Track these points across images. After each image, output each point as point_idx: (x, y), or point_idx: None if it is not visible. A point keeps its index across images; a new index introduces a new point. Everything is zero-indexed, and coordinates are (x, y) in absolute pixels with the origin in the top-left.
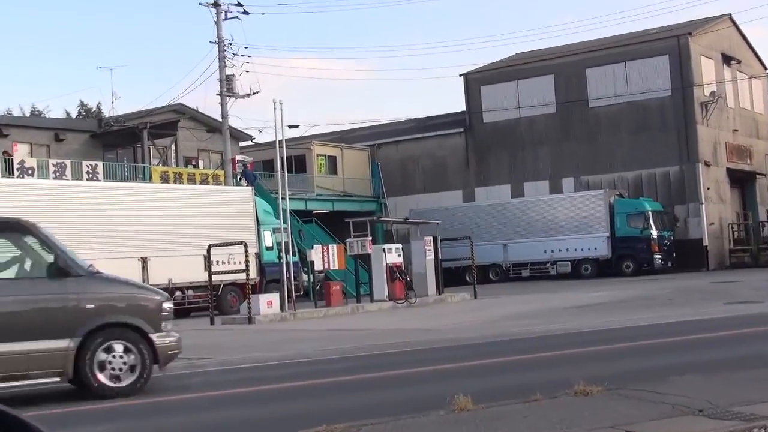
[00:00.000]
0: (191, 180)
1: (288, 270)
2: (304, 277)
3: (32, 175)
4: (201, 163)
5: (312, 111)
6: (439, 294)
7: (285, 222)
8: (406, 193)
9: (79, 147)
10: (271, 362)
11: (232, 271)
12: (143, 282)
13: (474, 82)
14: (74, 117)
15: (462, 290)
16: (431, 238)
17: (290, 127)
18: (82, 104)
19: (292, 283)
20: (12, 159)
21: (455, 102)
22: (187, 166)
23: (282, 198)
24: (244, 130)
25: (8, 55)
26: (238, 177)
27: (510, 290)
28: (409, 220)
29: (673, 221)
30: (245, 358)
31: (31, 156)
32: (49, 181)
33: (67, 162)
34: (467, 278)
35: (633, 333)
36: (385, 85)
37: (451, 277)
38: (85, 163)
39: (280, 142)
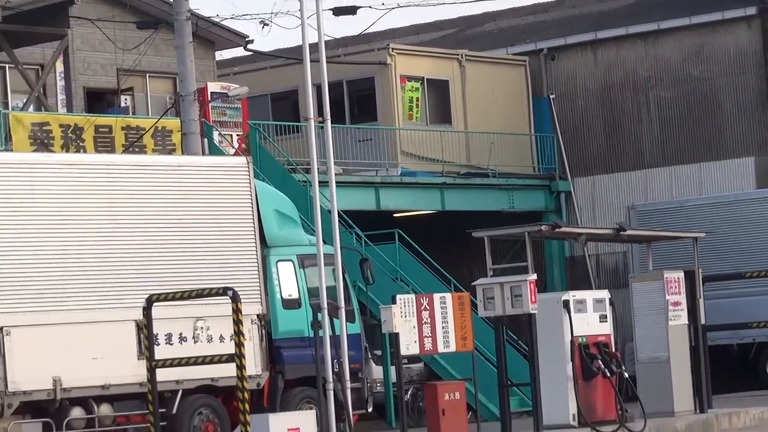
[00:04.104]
0: (104, 143)
1: (337, 355)
2: (376, 371)
3: None
4: (126, 101)
5: None
6: (702, 410)
7: (328, 240)
8: (616, 168)
9: None
10: None
11: (203, 360)
12: None
13: None
14: None
15: (757, 401)
16: (681, 275)
17: (337, 12)
18: None
19: (348, 385)
20: None
21: None
22: (94, 111)
23: (322, 183)
24: (226, 24)
25: None
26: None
27: None
28: (628, 232)
29: None
30: None
31: None
32: None
33: None
34: None
35: None
36: None
37: (729, 367)
38: None
39: (315, 49)
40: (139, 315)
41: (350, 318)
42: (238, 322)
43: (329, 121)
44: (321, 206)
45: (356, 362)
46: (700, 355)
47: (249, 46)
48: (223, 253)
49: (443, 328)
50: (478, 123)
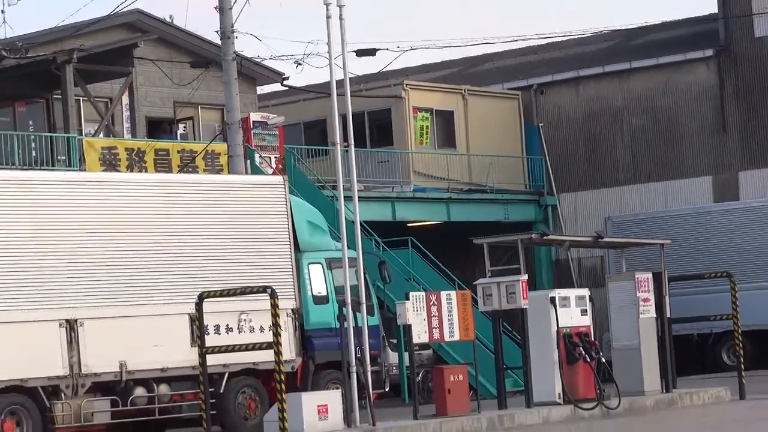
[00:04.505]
0: (162, 164)
1: (359, 343)
2: (392, 356)
3: None
4: (181, 129)
5: (403, 22)
6: (667, 390)
7: (352, 246)
8: (596, 184)
9: None
10: None
11: (246, 347)
12: (69, 370)
13: None
14: None
15: (714, 382)
16: (649, 276)
17: (360, 54)
18: None
19: (368, 369)
20: None
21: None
22: (154, 137)
23: (346, 197)
24: (266, 63)
25: None
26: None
27: None
28: (605, 239)
29: None
30: None
31: None
32: None
33: None
34: (724, 357)
35: None
36: None
37: (690, 354)
38: None
39: (341, 84)
40: (191, 309)
41: (370, 312)
42: (275, 315)
43: (352, 146)
44: (345, 217)
45: (375, 349)
46: (666, 344)
47: (285, 82)
48: (262, 256)
49: (449, 320)
50: (478, 147)
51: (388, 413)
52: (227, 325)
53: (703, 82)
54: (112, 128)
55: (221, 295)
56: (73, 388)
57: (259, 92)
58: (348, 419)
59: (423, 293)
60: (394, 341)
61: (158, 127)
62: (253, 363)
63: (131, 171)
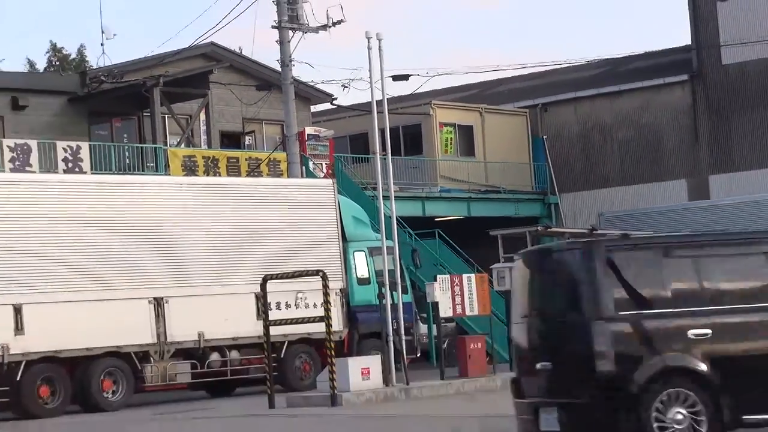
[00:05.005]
0: (233, 169)
1: (395, 317)
2: (423, 328)
3: None
4: (248, 140)
5: (431, 52)
6: None
7: (389, 237)
8: (591, 186)
9: (52, 118)
10: None
11: (302, 320)
12: (157, 338)
13: None
14: (42, 70)
15: None
16: None
17: (395, 78)
18: (54, 49)
19: (403, 338)
20: None
21: (673, 32)
22: (226, 147)
23: (384, 197)
24: (318, 86)
25: None
26: None
27: None
28: (599, 232)
29: None
30: None
31: None
32: (4, 174)
33: (32, 143)
34: None
35: None
36: (554, 4)
37: None
38: (61, 144)
39: (379, 104)
40: (257, 289)
41: (404, 291)
42: (326, 294)
43: (389, 154)
44: (384, 213)
45: (408, 322)
46: None
47: (334, 102)
48: (316, 245)
49: (469, 298)
50: (493, 155)
51: (419, 374)
52: (286, 302)
53: (678, 101)
54: (192, 140)
55: (282, 278)
56: (160, 354)
57: (312, 110)
58: (386, 379)
59: (448, 276)
60: (424, 315)
61: (230, 139)
62: (308, 333)
63: (207, 175)
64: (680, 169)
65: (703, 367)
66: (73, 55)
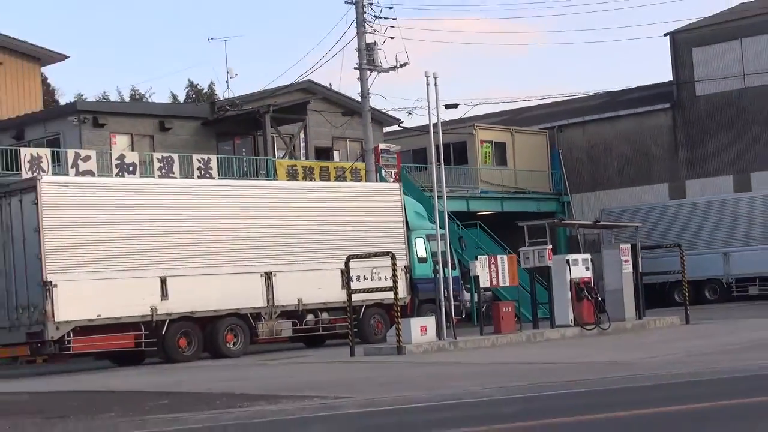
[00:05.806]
0: (324, 176)
1: (446, 287)
2: (467, 296)
3: (134, 172)
4: (336, 154)
5: (474, 86)
6: (640, 318)
7: (442, 227)
8: (595, 188)
9: (189, 137)
10: (426, 403)
11: (376, 289)
12: (267, 303)
13: (683, 42)
14: (182, 101)
15: (669, 313)
16: (629, 246)
17: (447, 107)
18: (191, 85)
19: (452, 303)
20: (110, 153)
21: (658, 70)
22: (319, 159)
23: (438, 196)
24: (388, 113)
25: (102, 30)
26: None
27: (732, 313)
28: (601, 223)
29: None
30: (394, 399)
31: (132, 149)
32: (154, 180)
33: (175, 156)
34: (676, 297)
35: None
36: (567, 50)
37: (654, 295)
38: (196, 156)
39: (435, 126)
40: (342, 266)
41: (453, 267)
42: (394, 270)
43: (443, 164)
44: (438, 209)
45: (456, 291)
46: (639, 289)
47: (401, 124)
48: (386, 233)
49: (502, 272)
50: (521, 165)
51: (463, 331)
52: (364, 276)
53: (662, 124)
54: (294, 153)
55: (361, 257)
56: (269, 314)
57: (384, 130)
58: (439, 335)
59: (486, 256)
60: (468, 286)
61: (322, 153)
62: (380, 299)
63: (305, 181)
64: (663, 175)
65: None
66: (205, 90)
